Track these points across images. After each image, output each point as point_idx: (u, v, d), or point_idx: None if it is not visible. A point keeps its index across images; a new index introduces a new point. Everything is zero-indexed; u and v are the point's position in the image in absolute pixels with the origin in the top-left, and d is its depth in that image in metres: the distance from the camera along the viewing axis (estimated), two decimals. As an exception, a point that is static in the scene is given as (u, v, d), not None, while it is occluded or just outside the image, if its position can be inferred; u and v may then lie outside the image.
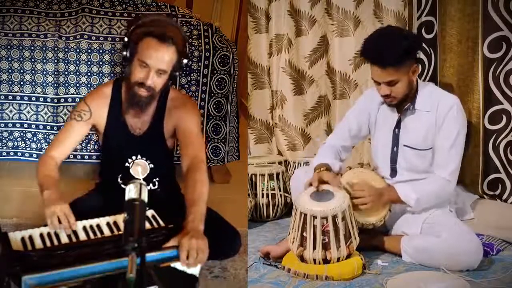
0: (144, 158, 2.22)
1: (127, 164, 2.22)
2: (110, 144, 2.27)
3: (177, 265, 1.66)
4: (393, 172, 2.44)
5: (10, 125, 2.96)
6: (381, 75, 2.24)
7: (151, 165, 2.22)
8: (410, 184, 2.32)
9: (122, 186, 2.19)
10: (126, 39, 2.13)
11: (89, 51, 2.90)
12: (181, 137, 2.17)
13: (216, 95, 3.07)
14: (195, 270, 1.70)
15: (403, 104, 2.36)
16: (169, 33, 2.07)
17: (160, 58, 2.06)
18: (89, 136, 2.89)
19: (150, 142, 2.21)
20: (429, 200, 2.31)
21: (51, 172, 2.06)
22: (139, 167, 2.19)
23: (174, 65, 2.11)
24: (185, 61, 2.15)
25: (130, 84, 2.11)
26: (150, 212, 1.91)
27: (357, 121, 2.51)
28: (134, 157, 2.22)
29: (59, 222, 1.82)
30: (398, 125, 2.40)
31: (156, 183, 2.25)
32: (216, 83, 3.05)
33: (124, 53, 2.11)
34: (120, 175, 2.24)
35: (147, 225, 1.82)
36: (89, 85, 2.92)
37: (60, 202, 1.88)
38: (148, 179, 2.21)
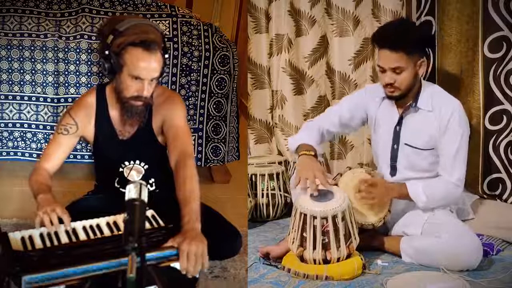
0: (138, 161, 2.20)
1: (121, 170, 2.20)
2: (101, 152, 2.25)
3: (177, 264, 1.66)
4: (393, 170, 2.43)
5: (10, 125, 2.96)
6: (391, 59, 2.24)
7: (146, 166, 2.21)
8: (420, 185, 2.30)
9: (121, 190, 2.17)
10: (106, 52, 2.02)
11: (89, 51, 2.91)
12: (168, 132, 2.13)
13: (216, 95, 3.07)
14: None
15: (405, 101, 2.35)
16: (151, 38, 2.01)
17: (151, 68, 2.01)
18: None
19: (141, 143, 2.18)
20: (437, 203, 2.31)
21: (45, 180, 2.04)
22: (133, 171, 2.19)
23: (162, 66, 2.07)
24: (166, 55, 2.10)
25: (124, 98, 2.07)
26: (150, 212, 1.90)
27: (350, 111, 2.49)
28: (127, 162, 2.20)
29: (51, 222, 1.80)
30: (399, 122, 2.39)
31: (153, 184, 2.24)
32: (216, 83, 3.05)
33: (107, 65, 2.03)
34: (117, 179, 2.23)
35: (147, 225, 1.82)
36: (89, 85, 2.92)
37: (54, 204, 1.85)
38: (144, 181, 2.19)
